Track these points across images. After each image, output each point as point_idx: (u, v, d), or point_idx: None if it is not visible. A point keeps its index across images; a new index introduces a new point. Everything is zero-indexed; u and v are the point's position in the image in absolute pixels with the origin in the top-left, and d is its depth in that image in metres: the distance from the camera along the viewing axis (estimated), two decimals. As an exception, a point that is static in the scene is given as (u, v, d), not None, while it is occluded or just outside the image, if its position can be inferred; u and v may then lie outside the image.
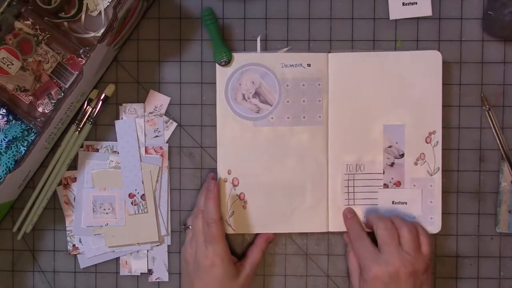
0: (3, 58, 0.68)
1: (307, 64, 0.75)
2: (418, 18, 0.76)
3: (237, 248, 0.77)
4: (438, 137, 0.75)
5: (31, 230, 0.76)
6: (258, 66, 0.75)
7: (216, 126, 0.75)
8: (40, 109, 0.73)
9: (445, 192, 0.76)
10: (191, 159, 0.76)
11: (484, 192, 0.76)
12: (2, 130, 0.72)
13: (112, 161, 0.76)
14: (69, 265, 0.77)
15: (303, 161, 0.75)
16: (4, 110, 0.72)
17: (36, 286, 0.77)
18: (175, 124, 0.76)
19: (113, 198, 0.75)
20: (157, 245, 0.76)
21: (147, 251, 0.76)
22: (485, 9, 0.75)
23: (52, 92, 0.72)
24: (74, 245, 0.76)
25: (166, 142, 0.76)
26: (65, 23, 0.72)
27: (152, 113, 0.76)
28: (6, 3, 0.69)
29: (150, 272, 0.77)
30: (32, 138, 0.72)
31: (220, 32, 0.75)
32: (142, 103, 0.76)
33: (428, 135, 0.75)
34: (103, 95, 0.75)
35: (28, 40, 0.71)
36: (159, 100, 0.76)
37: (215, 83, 0.75)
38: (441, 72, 0.74)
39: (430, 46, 0.75)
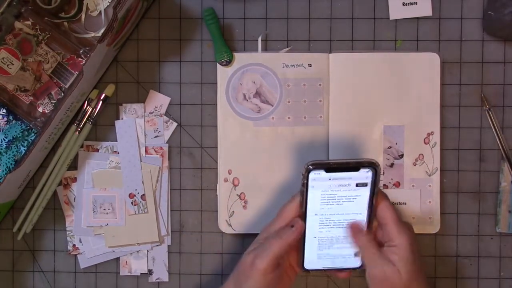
0: (3, 58, 0.68)
1: (308, 64, 0.75)
2: (418, 18, 0.76)
3: (238, 250, 0.77)
4: (436, 138, 0.75)
5: (31, 230, 0.76)
6: (259, 66, 0.75)
7: (216, 126, 0.75)
8: (40, 109, 0.72)
9: (445, 192, 0.76)
10: (191, 159, 0.76)
11: (484, 192, 0.76)
12: (2, 130, 0.72)
13: (112, 161, 0.76)
14: (69, 265, 0.77)
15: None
16: (4, 110, 0.72)
17: (36, 286, 0.77)
18: (175, 124, 0.76)
19: (113, 198, 0.75)
20: (157, 245, 0.76)
21: (147, 251, 0.76)
22: (485, 9, 0.75)
23: (52, 92, 0.72)
24: (74, 245, 0.76)
25: (166, 142, 0.76)
26: (65, 23, 0.72)
27: (152, 113, 0.76)
28: (6, 3, 0.69)
29: (150, 272, 0.76)
30: (32, 138, 0.72)
31: (221, 32, 0.75)
32: (142, 103, 0.76)
33: (427, 136, 0.75)
34: (103, 95, 0.75)
35: (28, 40, 0.70)
36: (159, 100, 0.76)
37: (215, 83, 0.75)
38: (439, 74, 0.74)
39: (430, 46, 0.76)
